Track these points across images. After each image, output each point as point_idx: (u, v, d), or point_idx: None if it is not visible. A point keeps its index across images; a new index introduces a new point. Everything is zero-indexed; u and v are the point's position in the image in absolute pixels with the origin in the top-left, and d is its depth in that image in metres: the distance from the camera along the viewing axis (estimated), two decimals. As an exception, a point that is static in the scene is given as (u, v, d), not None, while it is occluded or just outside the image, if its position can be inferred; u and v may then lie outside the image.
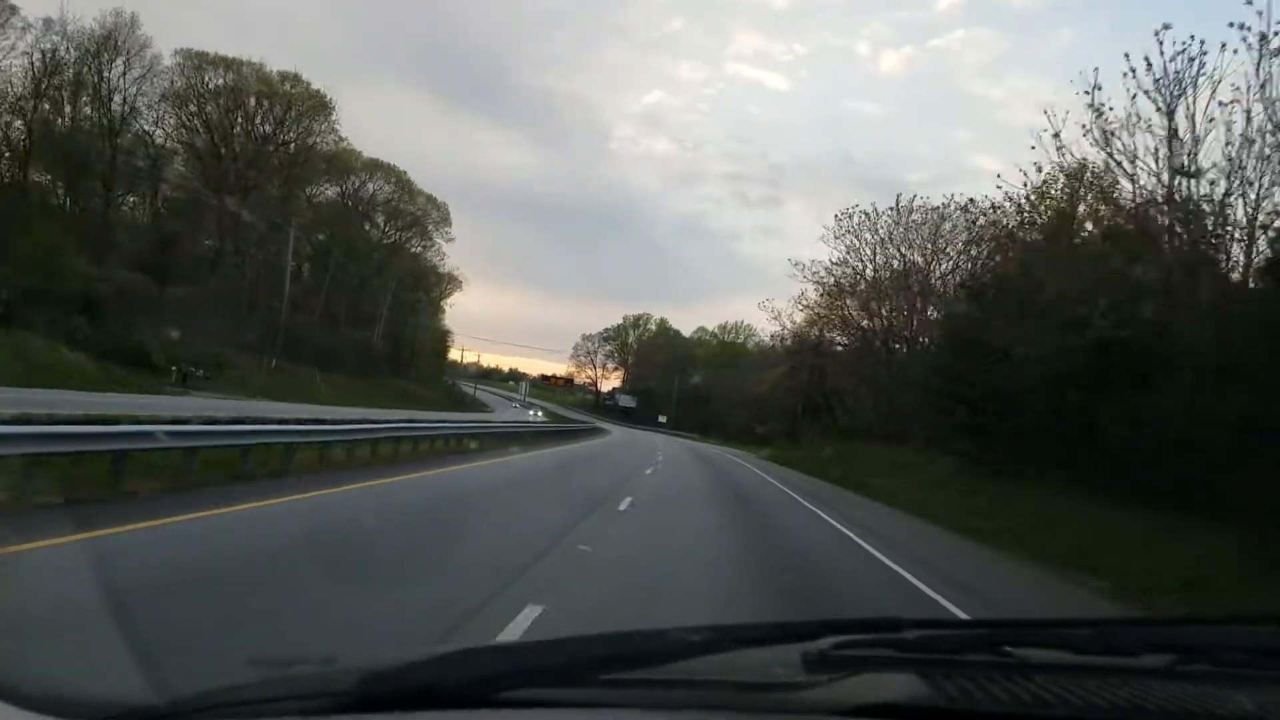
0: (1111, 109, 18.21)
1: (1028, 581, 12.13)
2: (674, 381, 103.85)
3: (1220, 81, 17.25)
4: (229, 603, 5.64)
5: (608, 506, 14.10)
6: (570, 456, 30.04)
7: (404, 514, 11.19)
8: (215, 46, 57.28)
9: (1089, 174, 40.02)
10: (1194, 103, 17.49)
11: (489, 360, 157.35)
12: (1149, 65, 17.85)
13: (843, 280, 48.59)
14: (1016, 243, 29.15)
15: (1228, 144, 16.97)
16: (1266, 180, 16.59)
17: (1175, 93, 17.36)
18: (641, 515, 13.78)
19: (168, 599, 5.45)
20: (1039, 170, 19.15)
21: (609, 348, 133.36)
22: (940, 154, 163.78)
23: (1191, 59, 17.42)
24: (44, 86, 46.61)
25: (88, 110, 49.24)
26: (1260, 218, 17.29)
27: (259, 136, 57.96)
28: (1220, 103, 17.06)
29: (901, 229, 44.93)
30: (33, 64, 45.72)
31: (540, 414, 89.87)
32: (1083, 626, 1.57)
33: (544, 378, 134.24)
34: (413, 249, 77.21)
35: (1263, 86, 16.39)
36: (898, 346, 45.94)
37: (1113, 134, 17.96)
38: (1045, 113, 18.85)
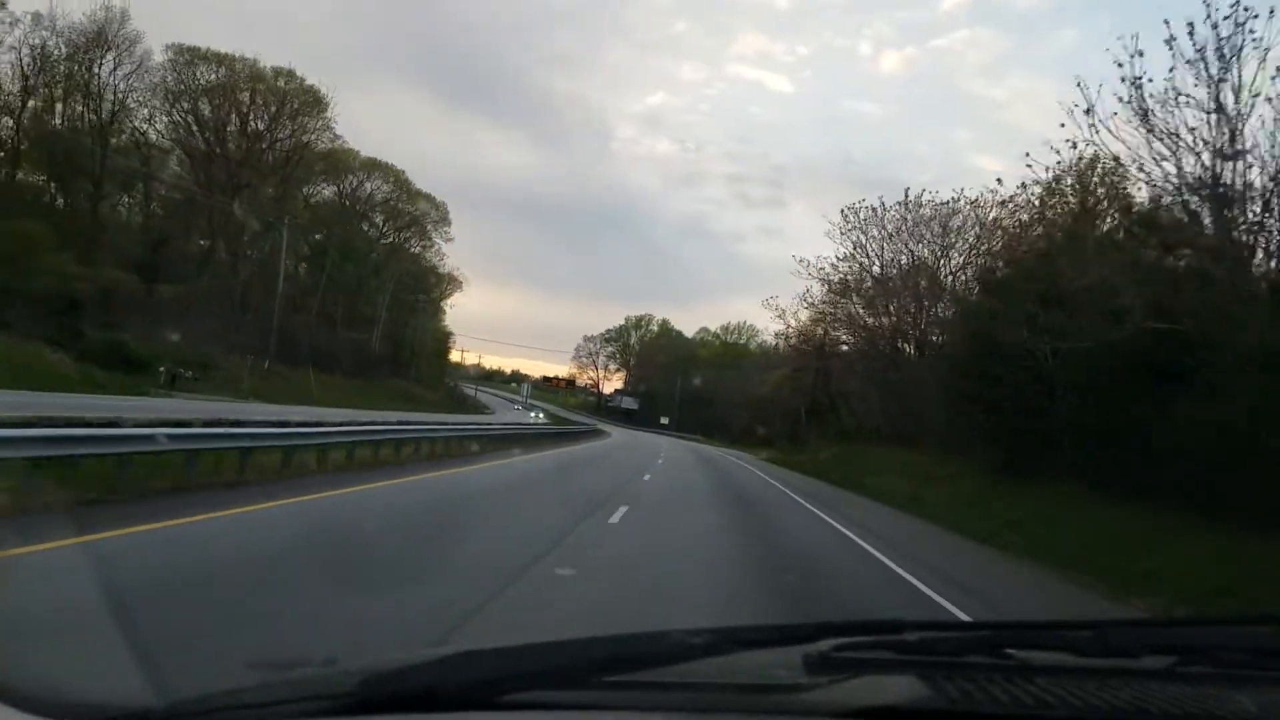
0: (1150, 79, 16.17)
1: (1091, 608, 10.68)
2: (676, 383, 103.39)
3: (1270, 50, 14.85)
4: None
5: (598, 519, 12.85)
6: (568, 459, 29.81)
7: (368, 525, 10.56)
8: (215, 47, 56.78)
9: (1100, 167, 39.43)
10: (1239, 75, 15.06)
11: (492, 362, 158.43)
12: (1191, 32, 15.14)
13: (848, 277, 48.33)
14: (1036, 231, 28.78)
15: (1277, 119, 15.33)
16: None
17: (1222, 64, 15.42)
18: (634, 530, 12.36)
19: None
20: (1073, 147, 17.05)
21: (611, 349, 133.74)
22: (942, 154, 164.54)
23: (1239, 24, 14.85)
24: (33, 83, 46.37)
25: (78, 107, 48.94)
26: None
27: (252, 133, 57.80)
28: (1273, 76, 15.25)
29: (910, 224, 44.58)
30: (21, 60, 45.57)
31: (541, 416, 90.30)
32: (1083, 628, 1.59)
33: (546, 379, 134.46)
34: (411, 249, 77.21)
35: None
36: (906, 347, 45.70)
37: (1151, 112, 16.08)
38: (1078, 84, 17.04)
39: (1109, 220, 21.40)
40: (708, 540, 12.35)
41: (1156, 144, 15.92)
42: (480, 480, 18.00)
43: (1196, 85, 15.60)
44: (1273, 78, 15.38)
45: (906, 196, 45.20)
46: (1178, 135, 15.70)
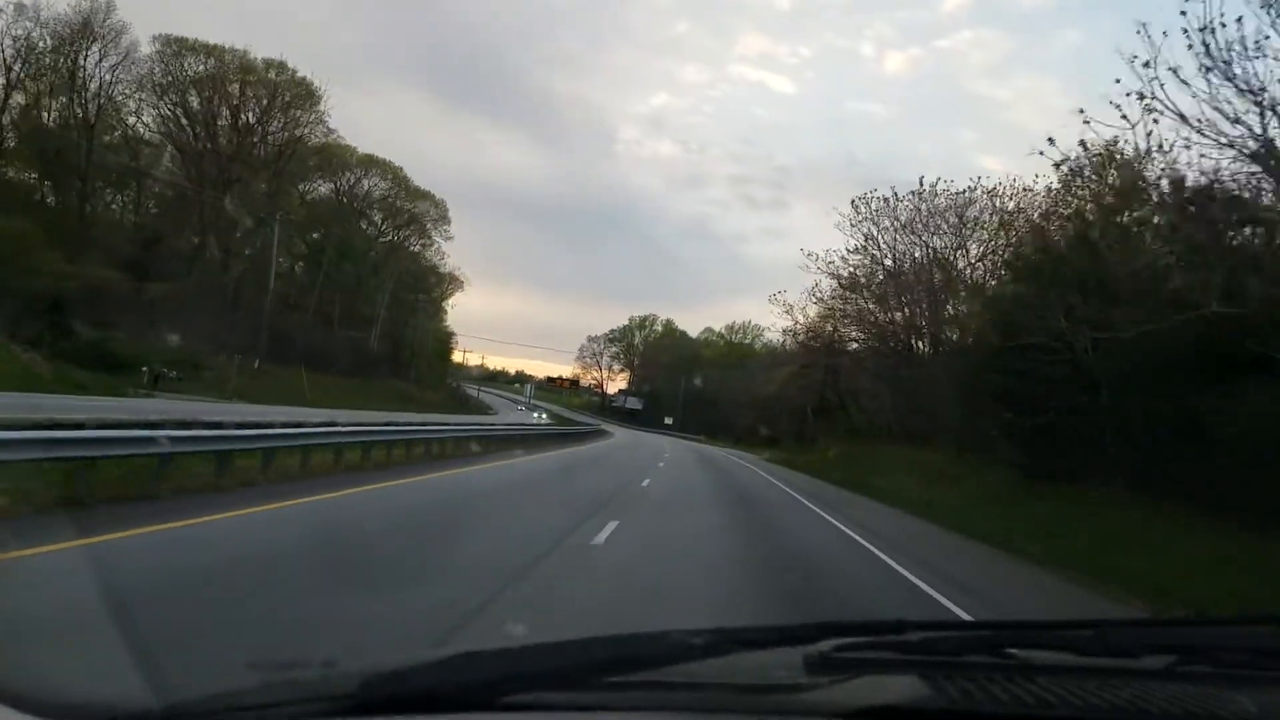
0: (1223, 24, 13.85)
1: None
2: (680, 383, 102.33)
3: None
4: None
5: (579, 538, 10.68)
6: (564, 462, 28.73)
7: (328, 538, 9.58)
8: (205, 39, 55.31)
9: (1119, 156, 38.00)
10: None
11: (496, 363, 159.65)
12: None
13: (858, 271, 46.55)
14: (1067, 211, 26.99)
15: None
16: None
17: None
18: (622, 554, 10.12)
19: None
20: (1140, 100, 14.67)
21: (615, 349, 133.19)
22: (946, 154, 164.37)
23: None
24: (18, 76, 45.12)
25: (64, 100, 47.66)
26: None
27: (243, 126, 56.53)
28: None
29: (924, 214, 42.72)
30: (3, 52, 44.34)
31: (544, 416, 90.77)
32: (1084, 628, 1.56)
33: (550, 380, 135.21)
34: (411, 247, 76.17)
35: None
36: (919, 344, 44.00)
37: (1230, 63, 13.82)
38: (1139, 30, 14.63)
39: (1152, 199, 19.67)
40: (709, 570, 9.89)
41: (1231, 100, 13.88)
42: (456, 487, 16.56)
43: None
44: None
45: (921, 185, 43.37)
46: (1264, 88, 13.64)
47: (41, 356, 32.43)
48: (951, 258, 42.64)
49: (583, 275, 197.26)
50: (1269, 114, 13.73)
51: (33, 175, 49.04)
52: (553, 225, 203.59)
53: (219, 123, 56.64)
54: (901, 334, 45.54)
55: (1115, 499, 17.20)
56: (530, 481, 20.25)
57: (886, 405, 45.99)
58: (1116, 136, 15.55)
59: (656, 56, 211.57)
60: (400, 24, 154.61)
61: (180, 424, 12.57)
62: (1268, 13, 13.38)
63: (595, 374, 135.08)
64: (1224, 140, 14.45)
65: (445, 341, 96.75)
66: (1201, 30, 13.95)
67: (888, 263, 45.62)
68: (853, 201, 45.72)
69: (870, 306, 47.32)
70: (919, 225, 43.33)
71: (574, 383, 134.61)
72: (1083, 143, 15.14)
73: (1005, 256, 35.94)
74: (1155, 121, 14.80)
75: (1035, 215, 34.89)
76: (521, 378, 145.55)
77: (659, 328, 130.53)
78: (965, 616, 8.60)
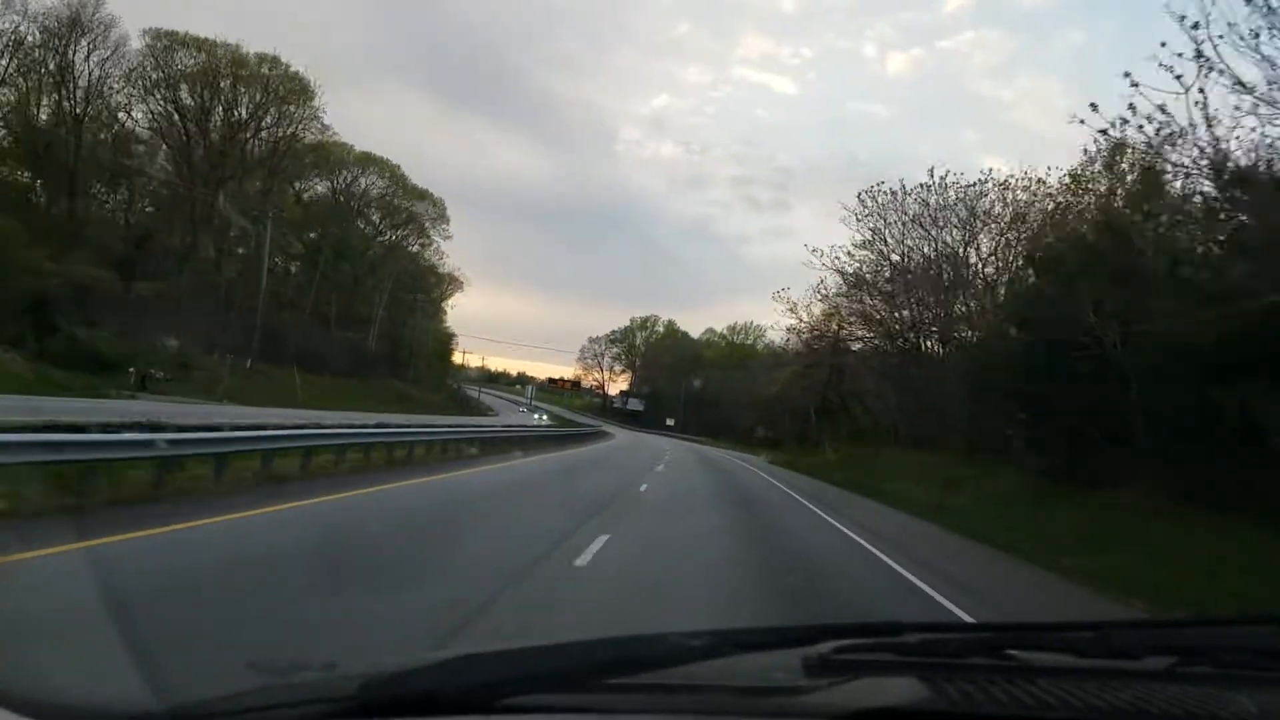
0: None
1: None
2: (681, 384, 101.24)
3: None
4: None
5: (560, 557, 9.14)
6: (559, 465, 27.94)
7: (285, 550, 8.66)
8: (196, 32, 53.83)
9: (1131, 151, 36.46)
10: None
11: (497, 364, 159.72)
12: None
13: (864, 266, 44.92)
14: (1089, 200, 25.52)
15: None
16: None
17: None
18: (606, 583, 8.46)
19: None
20: (1199, 58, 12.94)
21: (616, 350, 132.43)
22: (948, 155, 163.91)
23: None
24: (5, 70, 43.74)
25: (54, 95, 46.31)
26: None
27: (235, 122, 55.13)
28: None
29: (932, 208, 41.03)
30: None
31: (545, 418, 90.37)
32: (1084, 629, 1.57)
33: (551, 381, 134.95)
34: (409, 247, 74.92)
35: None
36: (927, 343, 42.42)
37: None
38: None
39: (1181, 185, 18.24)
40: (711, 606, 8.64)
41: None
42: (432, 495, 15.21)
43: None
44: None
45: (931, 176, 41.70)
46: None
47: (22, 357, 31.70)
48: (962, 253, 41.00)
49: (584, 276, 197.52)
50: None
51: (24, 173, 47.62)
52: (554, 226, 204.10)
53: (211, 119, 55.13)
54: (909, 332, 43.89)
55: (1149, 506, 15.75)
56: (519, 487, 19.03)
57: (893, 406, 44.57)
58: (1164, 103, 13.95)
59: (658, 58, 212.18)
60: (400, 24, 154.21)
61: (140, 427, 11.52)
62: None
63: (597, 375, 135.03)
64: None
65: (445, 343, 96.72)
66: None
67: (895, 258, 43.97)
68: (859, 195, 44.09)
69: (876, 305, 45.64)
70: (927, 220, 41.64)
71: (575, 384, 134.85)
72: (1132, 106, 13.65)
73: (1020, 250, 34.46)
74: (1202, 92, 13.33)
75: (1052, 205, 33.52)
76: (523, 379, 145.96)
77: (660, 328, 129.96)
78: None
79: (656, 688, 1.37)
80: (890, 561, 12.16)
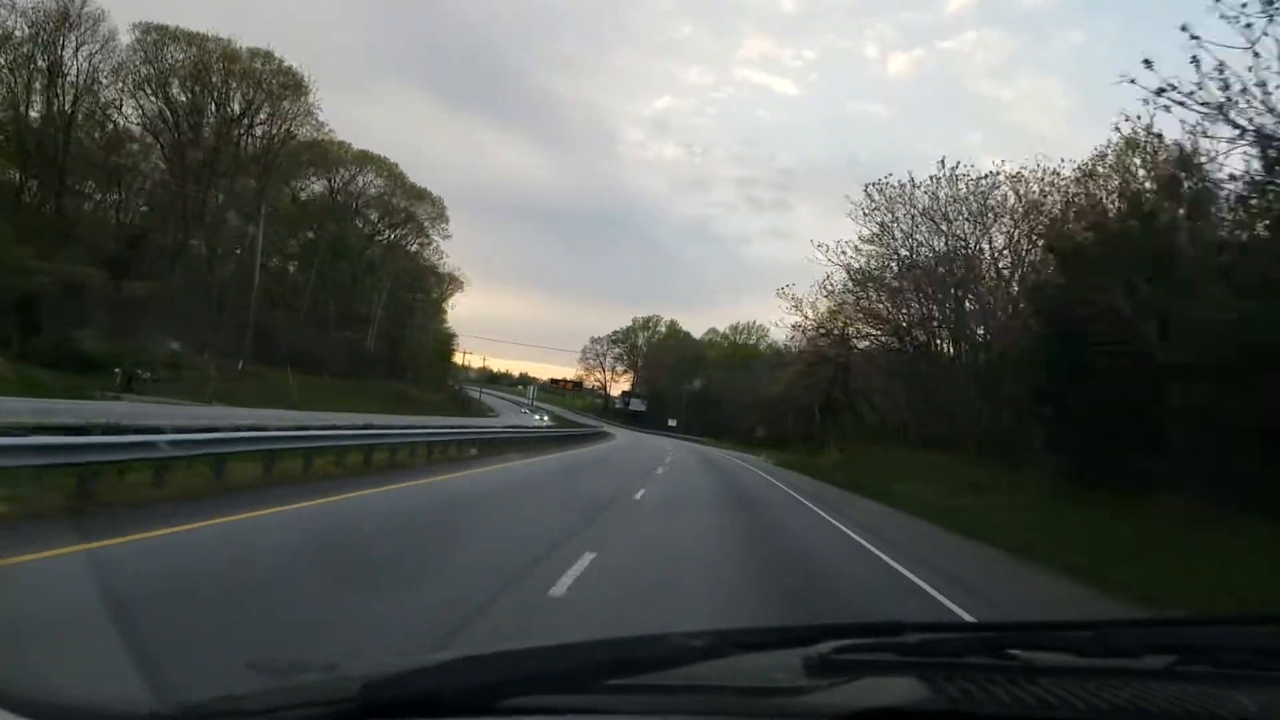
0: None
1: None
2: (683, 384, 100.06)
3: None
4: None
5: (534, 584, 7.79)
6: (552, 468, 26.65)
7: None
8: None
9: (1149, 143, 34.72)
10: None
11: (500, 365, 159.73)
12: None
13: (872, 261, 43.29)
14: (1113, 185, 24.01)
15: None
16: None
17: None
18: (587, 618, 7.28)
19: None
20: (1246, 34, 11.36)
21: (618, 350, 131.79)
22: (950, 155, 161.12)
23: None
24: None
25: (41, 89, 45.02)
26: None
27: (226, 117, 53.68)
28: None
29: (943, 202, 39.38)
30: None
31: (546, 418, 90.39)
32: (1084, 628, 1.56)
33: (554, 382, 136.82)
34: (408, 246, 73.55)
35: None
36: (938, 341, 40.89)
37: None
38: None
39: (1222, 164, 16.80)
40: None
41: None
42: (412, 500, 14.08)
43: None
44: None
45: (943, 165, 40.10)
46: None
47: (4, 357, 30.57)
48: (975, 246, 39.45)
49: (586, 277, 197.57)
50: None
51: (13, 171, 46.29)
52: (555, 226, 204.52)
53: (204, 116, 53.77)
54: (917, 329, 42.33)
55: (1196, 513, 14.22)
56: (509, 492, 17.83)
57: (901, 405, 43.03)
58: (1222, 63, 12.39)
59: (660, 59, 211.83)
60: (400, 24, 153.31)
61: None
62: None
63: (599, 376, 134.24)
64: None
65: (446, 343, 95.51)
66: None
67: (903, 253, 42.34)
68: (866, 187, 42.49)
69: (884, 305, 44.03)
70: (937, 213, 40.03)
71: (577, 385, 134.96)
72: (1195, 60, 12.17)
73: (1038, 241, 32.92)
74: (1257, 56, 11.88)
75: (1071, 193, 32.01)
76: (525, 380, 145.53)
77: (662, 329, 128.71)
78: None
79: (657, 688, 1.36)
80: (940, 596, 10.21)
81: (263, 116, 56.12)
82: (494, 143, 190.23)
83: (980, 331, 36.98)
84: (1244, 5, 11.83)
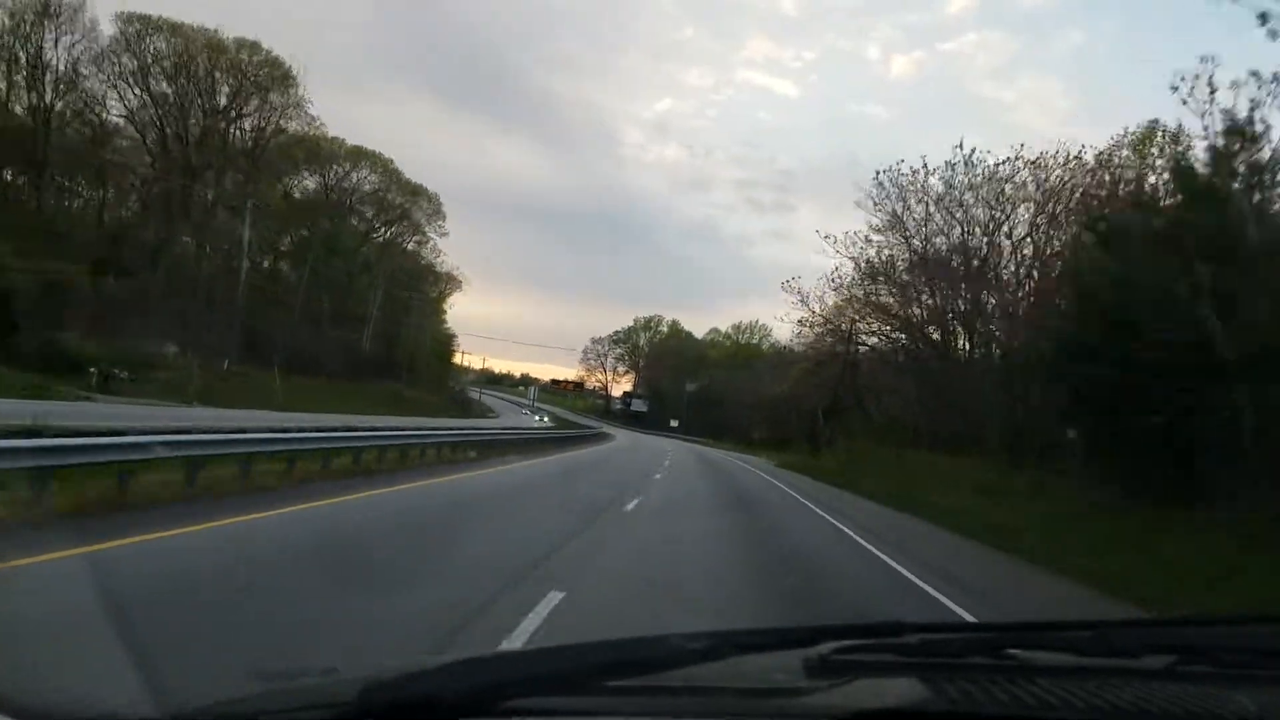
0: None
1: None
2: (685, 385, 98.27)
3: None
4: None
5: (490, 629, 6.25)
6: (545, 472, 25.13)
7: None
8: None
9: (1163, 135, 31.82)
10: None
11: (501, 366, 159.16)
12: None
13: (882, 253, 41.07)
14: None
15: None
16: None
17: None
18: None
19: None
20: None
21: (619, 350, 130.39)
22: (949, 156, 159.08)
23: None
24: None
25: (22, 81, 43.02)
26: None
27: (212, 109, 51.66)
28: None
29: (959, 190, 37.15)
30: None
31: (545, 419, 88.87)
32: (1084, 628, 1.56)
33: (555, 382, 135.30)
34: (404, 244, 71.59)
35: None
36: (953, 338, 38.67)
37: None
38: None
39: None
40: None
41: None
42: (367, 514, 12.26)
43: None
44: None
45: (961, 147, 37.83)
46: None
47: None
48: (994, 235, 37.28)
49: (587, 277, 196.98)
50: None
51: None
52: (557, 228, 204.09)
53: (191, 109, 51.75)
54: (929, 326, 40.09)
55: (1267, 530, 12.12)
56: (484, 502, 15.96)
57: (914, 405, 40.69)
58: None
59: (661, 60, 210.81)
60: (400, 24, 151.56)
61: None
62: None
63: (600, 376, 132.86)
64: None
65: (446, 344, 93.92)
66: None
67: (916, 243, 40.12)
68: (877, 174, 40.34)
69: (894, 300, 41.86)
70: (953, 201, 37.82)
71: (579, 385, 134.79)
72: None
73: (1066, 228, 30.84)
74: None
75: (1102, 176, 29.98)
76: (526, 381, 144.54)
77: (664, 329, 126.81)
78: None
79: (658, 690, 1.37)
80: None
81: (250, 109, 54.49)
82: (494, 143, 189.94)
83: (998, 326, 34.86)
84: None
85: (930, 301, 40.03)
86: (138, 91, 51.42)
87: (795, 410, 65.09)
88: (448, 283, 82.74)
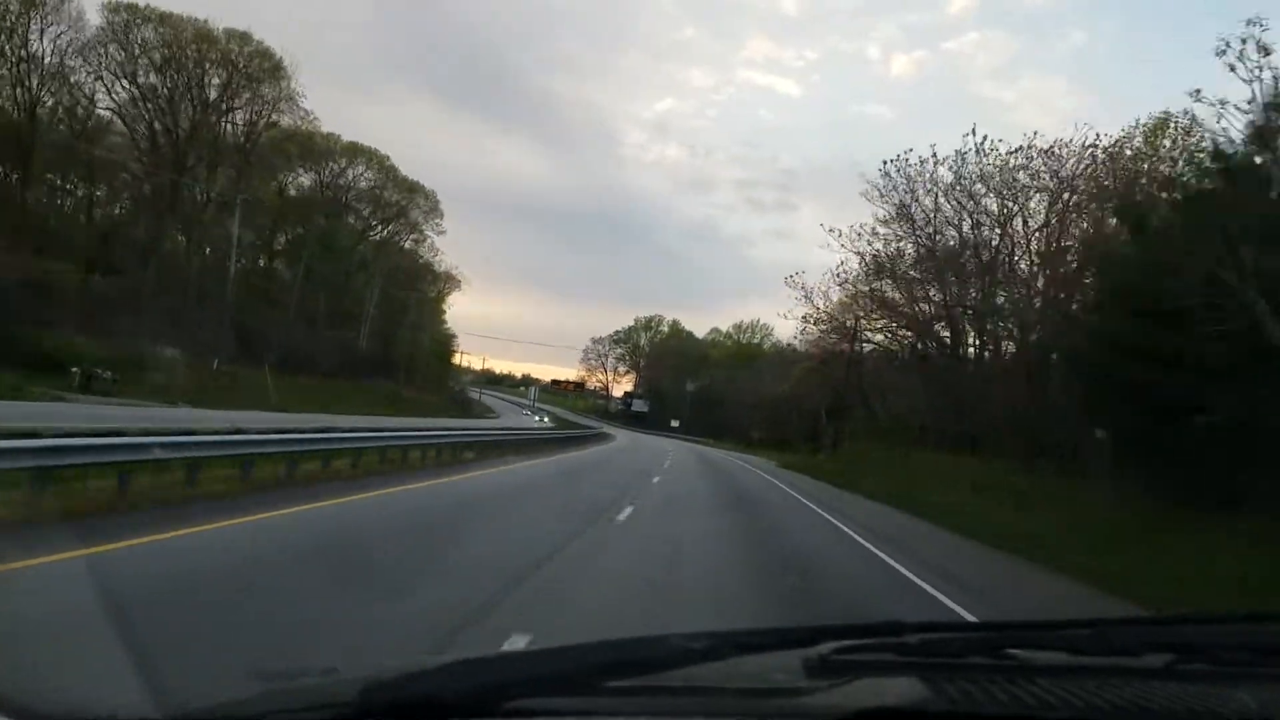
0: None
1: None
2: (686, 384, 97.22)
3: None
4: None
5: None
6: (533, 476, 23.49)
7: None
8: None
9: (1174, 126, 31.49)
10: None
11: (502, 366, 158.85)
12: None
13: (889, 246, 39.68)
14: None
15: None
16: None
17: None
18: None
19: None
20: None
21: (620, 350, 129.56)
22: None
23: None
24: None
25: (4, 74, 41.77)
26: None
27: (203, 102, 50.36)
28: None
29: (968, 180, 35.76)
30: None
31: (545, 419, 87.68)
32: (1083, 627, 1.55)
33: (555, 383, 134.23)
34: (402, 242, 70.26)
35: None
36: (963, 336, 37.30)
37: None
38: None
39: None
40: None
41: None
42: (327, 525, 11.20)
43: None
44: None
45: (973, 133, 36.45)
46: None
47: None
48: (1009, 226, 35.95)
49: (588, 277, 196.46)
50: None
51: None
52: (557, 228, 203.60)
53: (181, 102, 50.46)
54: (941, 323, 38.69)
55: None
56: (461, 510, 14.47)
57: (922, 404, 39.31)
58: None
59: (662, 61, 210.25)
60: (402, 25, 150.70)
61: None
62: None
63: (600, 377, 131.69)
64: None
65: (445, 344, 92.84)
66: None
67: (924, 236, 38.80)
68: (884, 163, 38.92)
69: (900, 293, 40.49)
70: (963, 191, 36.42)
71: (579, 386, 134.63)
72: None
73: (1088, 215, 29.56)
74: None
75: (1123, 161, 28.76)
76: (527, 381, 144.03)
77: (665, 328, 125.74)
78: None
79: (658, 690, 1.36)
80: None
81: (241, 102, 53.18)
82: (494, 143, 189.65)
83: (1013, 320, 33.56)
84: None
85: (939, 296, 38.81)
86: (126, 84, 50.45)
87: (797, 410, 64.00)
88: (446, 282, 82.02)
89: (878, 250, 40.57)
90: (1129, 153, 35.33)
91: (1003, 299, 34.33)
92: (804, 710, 1.30)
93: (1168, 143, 35.46)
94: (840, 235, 42.65)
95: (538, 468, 26.35)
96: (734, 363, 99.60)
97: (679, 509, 17.38)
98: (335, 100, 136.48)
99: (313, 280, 61.14)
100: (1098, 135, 35.63)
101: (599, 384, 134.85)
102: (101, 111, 50.45)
